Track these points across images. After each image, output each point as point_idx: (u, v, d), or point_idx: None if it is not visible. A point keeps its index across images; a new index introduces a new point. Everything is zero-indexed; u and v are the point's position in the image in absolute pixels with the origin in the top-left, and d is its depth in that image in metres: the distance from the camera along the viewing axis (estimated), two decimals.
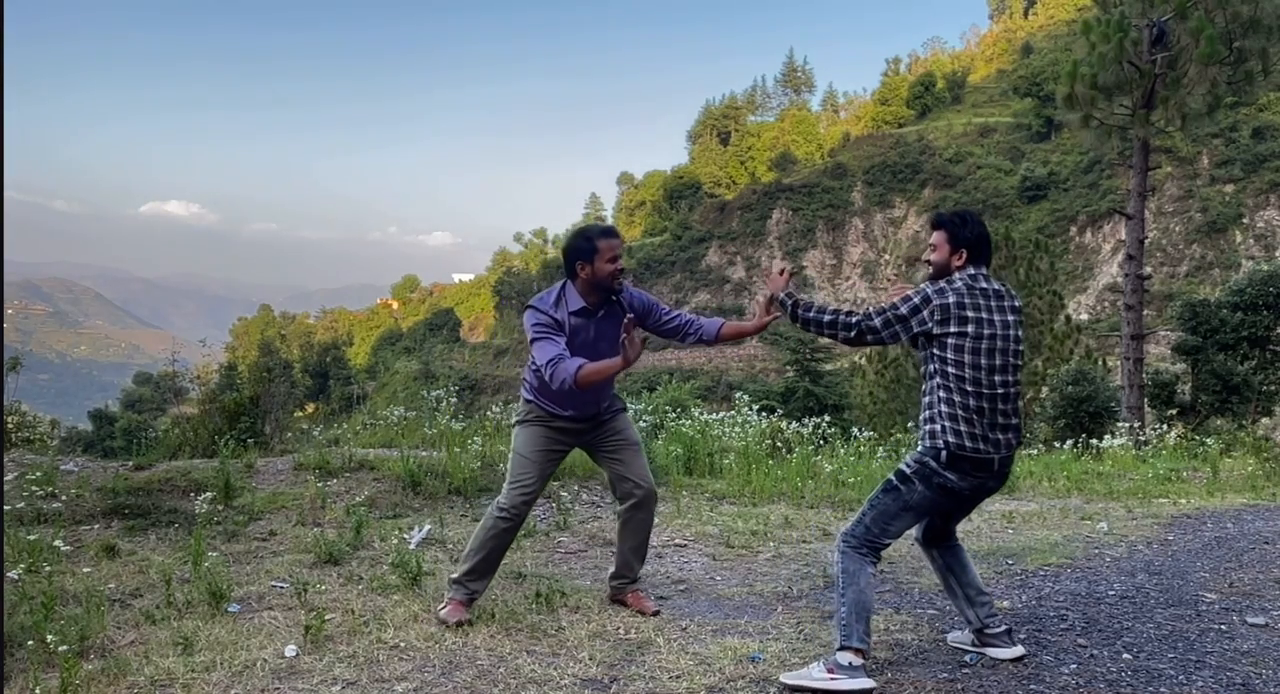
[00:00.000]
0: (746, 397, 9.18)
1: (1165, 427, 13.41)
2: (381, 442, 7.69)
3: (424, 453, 6.68)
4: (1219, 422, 16.26)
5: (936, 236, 3.40)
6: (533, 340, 3.61)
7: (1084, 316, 55.17)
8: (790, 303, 3.49)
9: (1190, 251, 64.00)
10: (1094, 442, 11.51)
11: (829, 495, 7.11)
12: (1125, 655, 3.44)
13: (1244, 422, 16.05)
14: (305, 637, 3.35)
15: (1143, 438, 12.50)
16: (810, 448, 8.25)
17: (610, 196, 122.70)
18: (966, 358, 3.18)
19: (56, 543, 4.18)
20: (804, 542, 5.56)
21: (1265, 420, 18.03)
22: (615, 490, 3.99)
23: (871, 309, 3.37)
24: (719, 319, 4.05)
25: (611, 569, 4.09)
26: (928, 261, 3.43)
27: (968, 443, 3.14)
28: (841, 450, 8.58)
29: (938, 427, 3.19)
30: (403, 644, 3.37)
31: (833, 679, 3.02)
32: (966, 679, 3.13)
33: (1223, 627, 3.86)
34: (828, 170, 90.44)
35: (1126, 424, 13.33)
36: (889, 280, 76.72)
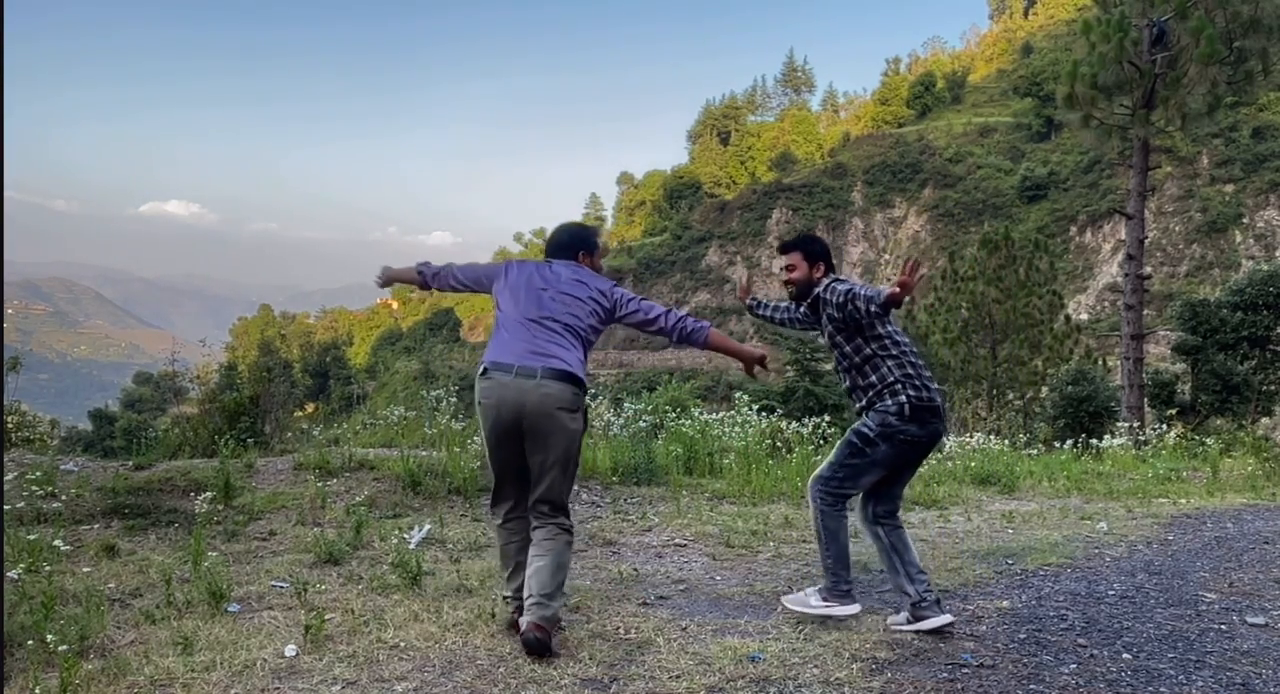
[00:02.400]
0: (746, 396, 9.18)
1: (1165, 427, 13.41)
2: (381, 441, 7.69)
3: (424, 453, 6.68)
4: (1219, 422, 16.27)
5: (792, 258, 3.93)
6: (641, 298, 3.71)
7: (1084, 316, 55.18)
8: (749, 305, 4.33)
9: (1190, 251, 63.99)
10: (1094, 442, 11.52)
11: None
12: (1125, 655, 3.44)
13: (1244, 422, 16.06)
14: (305, 637, 3.35)
15: (1143, 438, 12.50)
16: (810, 448, 8.25)
17: (610, 196, 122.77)
18: (893, 328, 3.80)
19: (56, 543, 4.18)
20: (804, 541, 5.56)
21: (1265, 420, 18.04)
22: None
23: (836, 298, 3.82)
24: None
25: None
26: (790, 282, 3.95)
27: (924, 394, 3.71)
28: None
29: (896, 387, 3.70)
30: (403, 644, 3.37)
31: (828, 607, 3.71)
32: (966, 679, 3.13)
33: (1223, 626, 3.86)
34: (828, 170, 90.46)
35: (1126, 424, 13.34)
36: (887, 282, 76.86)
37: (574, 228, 3.90)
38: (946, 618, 3.66)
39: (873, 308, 3.62)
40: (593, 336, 3.61)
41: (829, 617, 3.70)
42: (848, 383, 3.87)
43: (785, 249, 3.98)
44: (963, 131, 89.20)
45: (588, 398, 4.19)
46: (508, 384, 3.40)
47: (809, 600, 3.73)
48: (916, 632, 3.62)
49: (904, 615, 3.73)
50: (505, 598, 3.65)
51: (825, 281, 3.86)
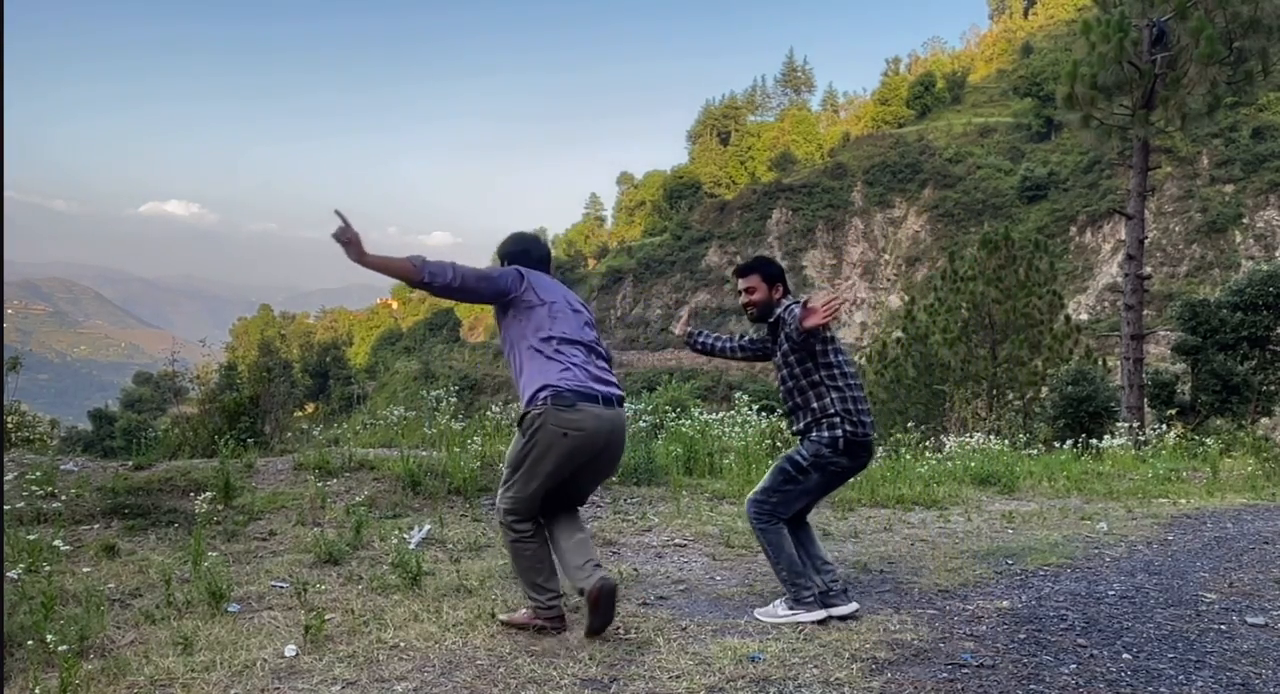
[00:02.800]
0: (746, 396, 9.18)
1: (1165, 427, 13.41)
2: (381, 442, 7.69)
3: (424, 453, 6.68)
4: (1219, 422, 16.26)
5: (751, 280, 4.03)
6: None
7: (1084, 316, 55.20)
8: (689, 340, 4.46)
9: (1190, 251, 63.99)
10: (1094, 442, 11.52)
11: (828, 495, 7.11)
12: (1125, 655, 3.44)
13: (1244, 422, 16.05)
14: (305, 637, 3.35)
15: (1142, 438, 12.51)
16: None
17: (610, 196, 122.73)
18: (843, 358, 3.93)
19: (56, 543, 4.18)
20: None
21: (1265, 420, 18.04)
22: None
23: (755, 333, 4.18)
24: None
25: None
26: (750, 304, 4.04)
27: (859, 429, 3.85)
28: None
29: (835, 420, 3.83)
30: (403, 644, 3.37)
31: (794, 614, 3.80)
32: (966, 679, 3.13)
33: (1222, 627, 3.86)
34: (828, 170, 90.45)
35: (1126, 424, 13.35)
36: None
37: (541, 239, 3.92)
38: (853, 606, 3.91)
39: (791, 332, 3.83)
40: None
41: (799, 623, 3.76)
42: (790, 404, 3.98)
43: (743, 272, 4.08)
44: (963, 132, 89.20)
45: None
46: (601, 416, 3.48)
47: (777, 611, 3.86)
48: (823, 618, 3.80)
49: (779, 606, 3.89)
50: (542, 600, 3.57)
51: (785, 303, 3.99)
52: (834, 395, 3.85)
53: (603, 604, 3.42)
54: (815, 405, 3.87)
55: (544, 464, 3.46)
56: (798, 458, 3.87)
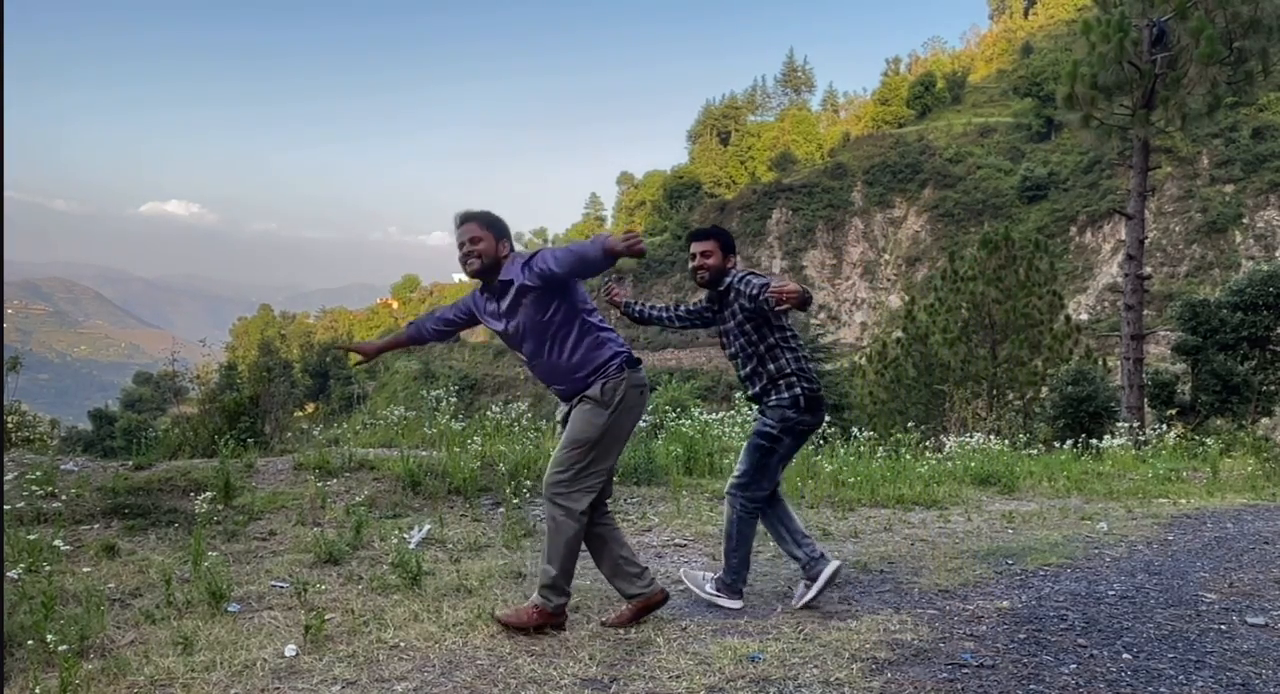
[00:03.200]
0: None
1: (1165, 427, 13.41)
2: (381, 442, 7.68)
3: (424, 453, 6.68)
4: (1219, 422, 16.26)
5: (708, 245, 4.12)
6: None
7: (1084, 316, 55.19)
8: (625, 309, 4.50)
9: (1190, 251, 63.99)
10: (1094, 442, 11.51)
11: (829, 495, 7.11)
12: (1125, 655, 3.44)
13: (1244, 421, 16.05)
14: (305, 636, 3.35)
15: (1143, 438, 12.50)
16: (810, 448, 8.25)
17: (610, 196, 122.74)
18: (790, 321, 4.14)
19: (56, 543, 4.18)
20: None
21: (1265, 420, 18.03)
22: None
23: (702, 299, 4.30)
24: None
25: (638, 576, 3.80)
26: (704, 268, 4.12)
27: (814, 385, 4.08)
28: (841, 450, 8.59)
29: (792, 380, 4.03)
30: (403, 644, 3.37)
31: (717, 596, 4.05)
32: (966, 679, 3.13)
33: (1223, 627, 3.86)
34: (828, 170, 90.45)
35: (1126, 424, 13.34)
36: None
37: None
38: (836, 563, 4.10)
39: (756, 301, 3.99)
40: None
41: (716, 604, 4.04)
42: (747, 369, 4.13)
43: (700, 236, 4.16)
44: (963, 131, 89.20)
45: None
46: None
47: (705, 586, 4.12)
48: (819, 591, 4.03)
49: (801, 584, 4.11)
50: (561, 602, 3.59)
51: (738, 273, 4.11)
52: (788, 356, 4.05)
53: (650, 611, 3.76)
54: (772, 367, 4.05)
55: (627, 427, 3.66)
56: (766, 429, 4.03)
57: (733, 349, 4.17)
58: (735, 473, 4.13)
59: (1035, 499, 8.00)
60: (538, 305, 3.56)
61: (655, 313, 4.53)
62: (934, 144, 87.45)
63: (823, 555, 4.10)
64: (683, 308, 4.44)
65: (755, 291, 3.90)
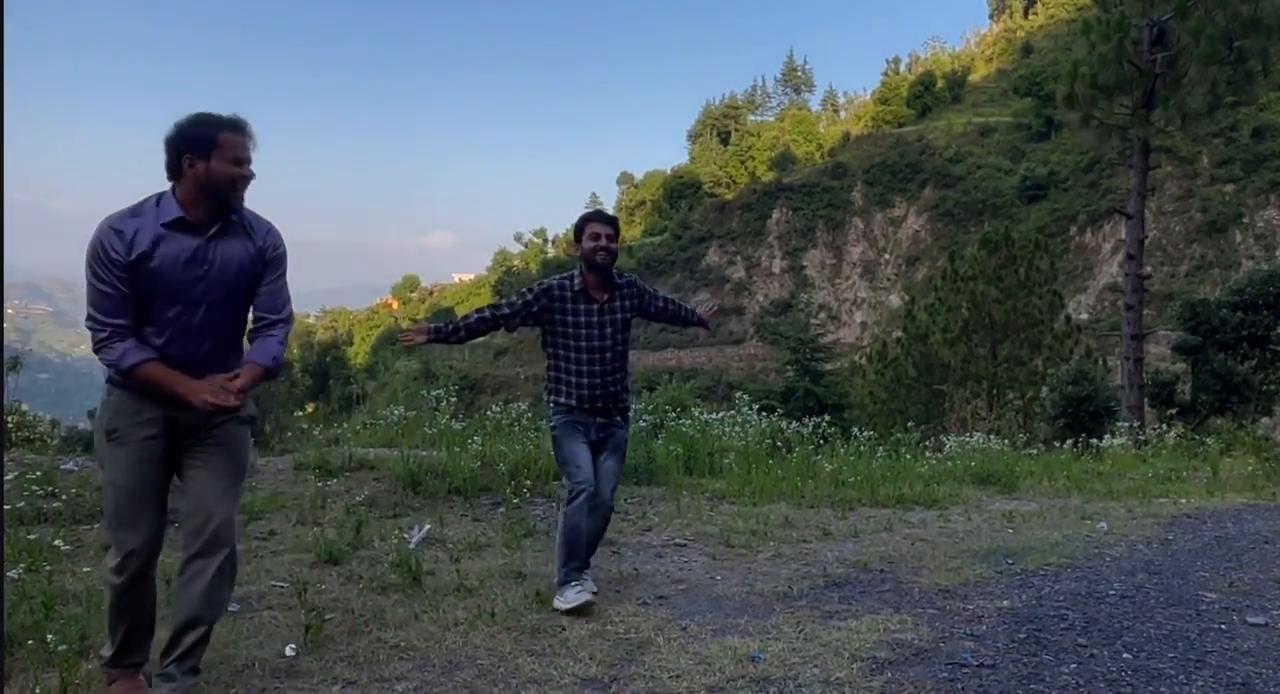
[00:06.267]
0: (746, 396, 9.18)
1: (1165, 426, 13.41)
2: (381, 441, 7.67)
3: (424, 453, 6.67)
4: (1219, 421, 16.26)
5: (612, 230, 4.17)
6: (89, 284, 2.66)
7: (1084, 316, 55.19)
8: (434, 337, 4.25)
9: (1190, 251, 63.98)
10: (1094, 441, 11.52)
11: (829, 495, 7.11)
12: (1125, 655, 3.44)
13: (1244, 421, 16.05)
14: (305, 636, 3.35)
15: (1143, 438, 12.50)
16: (810, 447, 8.25)
17: (610, 196, 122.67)
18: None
19: (56, 542, 4.18)
20: (804, 541, 5.56)
21: (1265, 420, 18.03)
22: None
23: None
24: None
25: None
26: (607, 251, 4.11)
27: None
28: (841, 450, 8.59)
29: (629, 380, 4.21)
30: (403, 644, 3.37)
31: (565, 602, 3.88)
32: (966, 679, 3.13)
33: (1223, 626, 3.86)
34: (828, 170, 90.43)
35: (1126, 424, 13.35)
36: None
37: (171, 133, 2.83)
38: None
39: (692, 317, 4.46)
40: None
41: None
42: (620, 374, 4.16)
43: (606, 220, 4.19)
44: (963, 131, 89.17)
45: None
46: None
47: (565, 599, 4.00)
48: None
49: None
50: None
51: (626, 275, 4.25)
52: (627, 358, 4.22)
53: None
54: (630, 372, 4.22)
55: None
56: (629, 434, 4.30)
57: (606, 342, 4.08)
58: (615, 484, 4.18)
59: (1035, 499, 8.00)
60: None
61: (466, 323, 4.21)
62: (934, 144, 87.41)
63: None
64: (506, 307, 4.16)
65: (650, 294, 4.29)
